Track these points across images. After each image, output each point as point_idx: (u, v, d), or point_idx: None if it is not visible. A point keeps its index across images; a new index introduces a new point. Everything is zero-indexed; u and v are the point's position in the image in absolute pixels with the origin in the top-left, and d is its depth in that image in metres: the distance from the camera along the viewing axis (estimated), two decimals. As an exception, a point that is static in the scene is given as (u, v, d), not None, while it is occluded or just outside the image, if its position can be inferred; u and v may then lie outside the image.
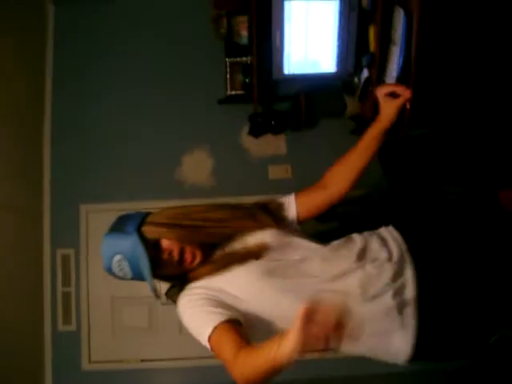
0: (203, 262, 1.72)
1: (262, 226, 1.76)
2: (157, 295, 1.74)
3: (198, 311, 1.64)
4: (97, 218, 3.73)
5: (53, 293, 3.75)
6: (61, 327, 3.72)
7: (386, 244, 1.76)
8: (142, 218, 1.73)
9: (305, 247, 1.76)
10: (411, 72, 2.74)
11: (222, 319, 1.56)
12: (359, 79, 3.28)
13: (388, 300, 1.63)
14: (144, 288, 3.66)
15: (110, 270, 1.71)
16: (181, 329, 3.67)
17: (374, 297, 1.63)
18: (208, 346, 1.57)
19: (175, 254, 1.68)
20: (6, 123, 3.33)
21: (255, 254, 1.70)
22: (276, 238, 1.74)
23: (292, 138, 3.80)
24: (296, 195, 1.91)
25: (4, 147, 3.29)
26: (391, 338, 1.64)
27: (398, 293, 1.64)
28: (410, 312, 1.63)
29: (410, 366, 1.72)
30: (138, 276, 1.69)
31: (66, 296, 3.75)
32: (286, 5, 3.06)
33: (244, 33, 3.52)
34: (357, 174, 1.85)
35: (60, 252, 3.77)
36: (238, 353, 1.48)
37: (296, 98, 3.55)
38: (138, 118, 3.87)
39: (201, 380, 3.61)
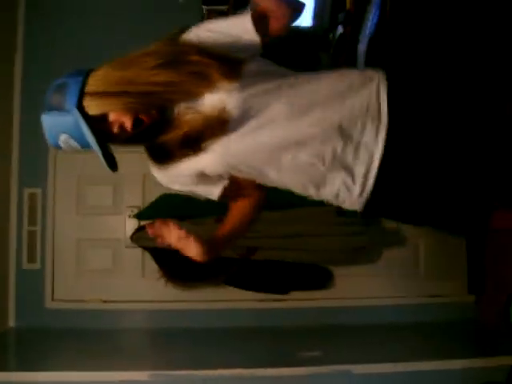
0: (166, 128, 1.56)
1: (219, 85, 1.53)
2: (112, 167, 1.55)
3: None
4: (65, 158, 3.72)
5: (18, 231, 3.76)
6: (25, 265, 3.75)
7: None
8: (81, 88, 1.48)
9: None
10: (385, 31, 2.77)
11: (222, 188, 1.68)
12: (334, 35, 3.29)
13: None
14: (109, 230, 3.72)
15: (58, 147, 1.54)
16: (144, 272, 3.73)
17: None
18: None
19: (127, 126, 1.49)
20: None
21: (219, 125, 1.52)
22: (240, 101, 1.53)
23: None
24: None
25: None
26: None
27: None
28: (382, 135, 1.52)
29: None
30: (90, 148, 1.50)
31: (32, 235, 3.76)
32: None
33: (221, -19, 3.47)
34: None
35: (27, 191, 3.77)
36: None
37: (270, 50, 3.53)
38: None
39: (161, 323, 3.67)
